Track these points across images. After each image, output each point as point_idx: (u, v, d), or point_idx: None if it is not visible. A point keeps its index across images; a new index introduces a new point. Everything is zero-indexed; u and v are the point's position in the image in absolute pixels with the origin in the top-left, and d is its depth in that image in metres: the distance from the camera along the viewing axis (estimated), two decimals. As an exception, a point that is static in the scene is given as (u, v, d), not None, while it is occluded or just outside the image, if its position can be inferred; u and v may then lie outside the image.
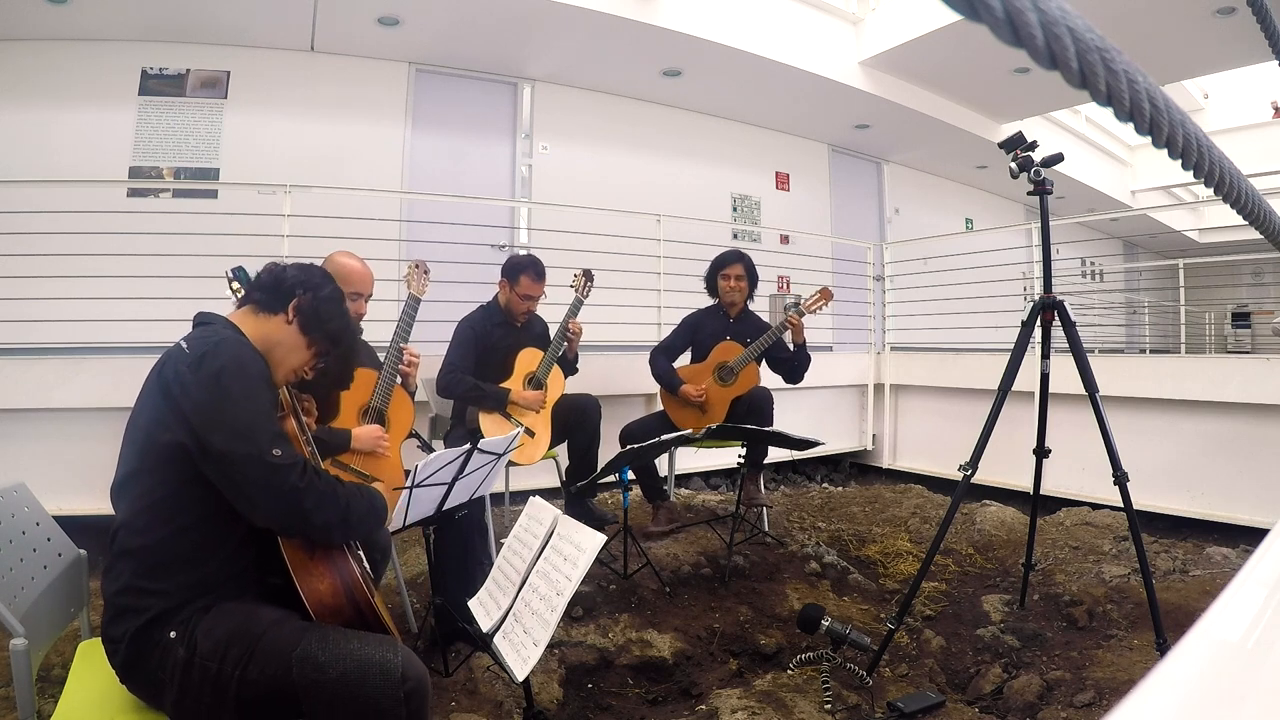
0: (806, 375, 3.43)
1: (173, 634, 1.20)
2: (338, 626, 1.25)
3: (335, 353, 1.50)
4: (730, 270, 3.46)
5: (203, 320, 1.41)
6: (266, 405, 1.30)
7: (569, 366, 3.28)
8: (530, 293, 3.14)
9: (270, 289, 1.44)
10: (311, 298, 1.43)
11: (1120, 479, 2.16)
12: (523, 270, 3.13)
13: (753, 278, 3.50)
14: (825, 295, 3.32)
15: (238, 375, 1.25)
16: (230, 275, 1.71)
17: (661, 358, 3.46)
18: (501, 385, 3.04)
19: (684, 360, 3.55)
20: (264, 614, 1.23)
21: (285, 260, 1.55)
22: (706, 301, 3.62)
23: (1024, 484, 3.06)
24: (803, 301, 3.31)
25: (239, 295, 1.58)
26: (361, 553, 1.49)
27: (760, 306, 3.88)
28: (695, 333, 3.53)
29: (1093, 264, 8.98)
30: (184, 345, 1.30)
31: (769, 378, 3.46)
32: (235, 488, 1.22)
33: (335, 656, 1.17)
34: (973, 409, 4.48)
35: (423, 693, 1.21)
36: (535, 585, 1.44)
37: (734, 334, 3.43)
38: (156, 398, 1.27)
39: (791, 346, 3.35)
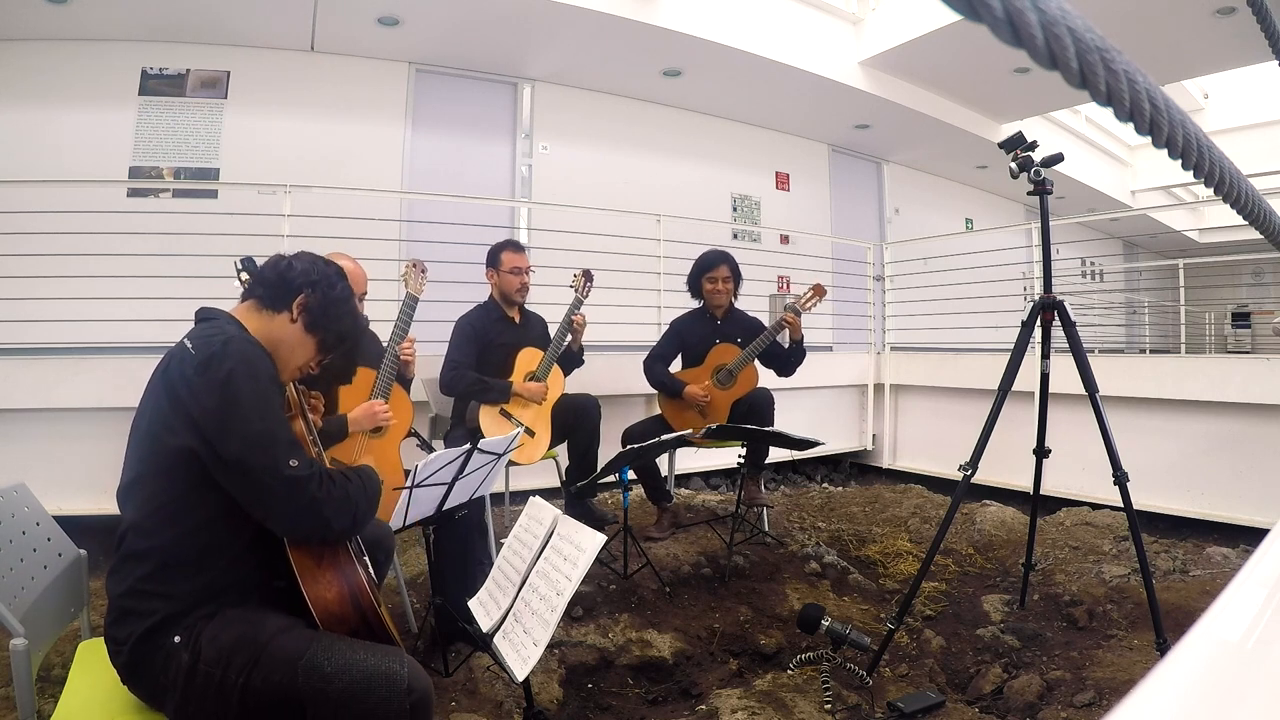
0: (806, 375, 3.42)
1: (177, 639, 1.18)
2: (344, 636, 1.24)
3: (341, 350, 1.46)
4: (715, 273, 3.37)
5: (205, 316, 1.37)
6: (278, 410, 1.27)
7: (574, 359, 3.27)
8: (516, 264, 3.13)
9: (274, 284, 1.39)
10: (319, 296, 1.38)
11: (1120, 479, 2.16)
12: (500, 250, 3.17)
13: (738, 277, 3.44)
14: (818, 291, 3.30)
15: (247, 379, 1.21)
16: (239, 265, 1.68)
17: (658, 365, 3.41)
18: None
19: (675, 367, 3.50)
20: (270, 622, 1.22)
21: (289, 253, 1.49)
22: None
23: (1024, 484, 3.06)
24: (798, 300, 3.30)
25: (247, 286, 1.54)
26: (366, 558, 1.48)
27: (760, 306, 3.88)
28: (683, 338, 3.47)
29: (1093, 264, 8.99)
30: (189, 345, 1.26)
31: (764, 375, 3.44)
32: (252, 497, 1.20)
33: (341, 666, 1.16)
34: (973, 409, 4.48)
35: (427, 704, 1.21)
36: (535, 585, 1.44)
37: (723, 336, 3.38)
38: (162, 400, 1.23)
39: (787, 344, 3.33)
